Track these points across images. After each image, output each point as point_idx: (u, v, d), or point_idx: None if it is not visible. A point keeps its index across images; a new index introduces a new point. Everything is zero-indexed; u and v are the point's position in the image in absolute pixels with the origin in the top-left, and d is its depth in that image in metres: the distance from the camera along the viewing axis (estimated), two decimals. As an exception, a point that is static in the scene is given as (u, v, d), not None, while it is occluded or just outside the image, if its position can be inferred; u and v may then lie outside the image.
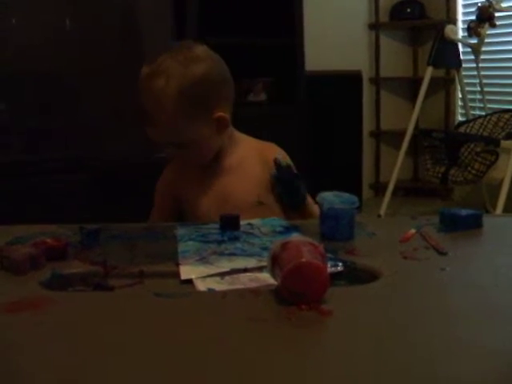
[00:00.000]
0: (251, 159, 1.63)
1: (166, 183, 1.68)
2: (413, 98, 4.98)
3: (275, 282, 0.95)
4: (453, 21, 4.73)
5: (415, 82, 5.04)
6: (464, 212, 1.32)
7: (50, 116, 3.03)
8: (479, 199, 4.47)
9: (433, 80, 4.27)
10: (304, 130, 3.77)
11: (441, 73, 4.78)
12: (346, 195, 1.28)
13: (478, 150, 3.76)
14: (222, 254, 1.16)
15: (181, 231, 1.33)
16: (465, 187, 4.60)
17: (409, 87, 5.28)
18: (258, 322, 0.85)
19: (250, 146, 1.65)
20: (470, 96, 4.53)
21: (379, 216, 4.04)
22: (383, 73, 5.17)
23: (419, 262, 1.10)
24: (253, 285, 1.03)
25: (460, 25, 4.87)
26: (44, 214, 2.67)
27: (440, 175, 3.86)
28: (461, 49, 4.36)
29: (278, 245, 0.94)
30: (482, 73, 4.34)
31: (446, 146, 3.94)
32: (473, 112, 4.52)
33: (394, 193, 4.27)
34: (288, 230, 1.33)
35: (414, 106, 4.32)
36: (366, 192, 5.09)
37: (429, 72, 4.15)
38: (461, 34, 4.73)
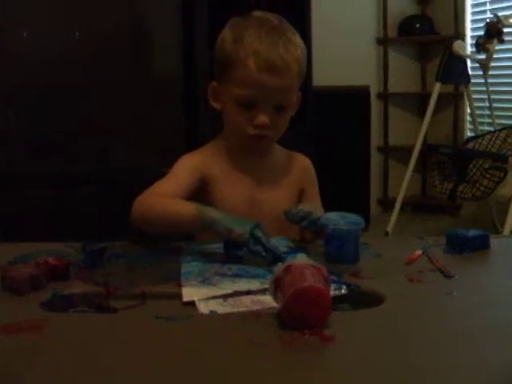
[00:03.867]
0: (288, 165, 1.60)
1: (200, 161, 1.53)
2: (421, 113, 4.96)
3: (278, 305, 0.94)
4: (461, 36, 4.72)
5: (423, 98, 5.02)
6: (471, 233, 1.31)
7: (57, 129, 3.03)
8: (488, 216, 4.44)
9: (441, 95, 4.25)
10: (312, 146, 3.76)
11: (449, 88, 4.76)
12: (351, 216, 1.27)
13: (487, 166, 3.74)
14: (225, 275, 1.15)
15: (186, 251, 1.32)
16: (473, 203, 4.57)
17: (417, 103, 5.27)
18: (260, 346, 0.84)
19: (284, 152, 1.62)
20: (478, 112, 4.51)
21: (387, 233, 4.02)
22: (391, 88, 5.15)
23: (425, 286, 1.08)
24: (256, 307, 1.02)
25: (468, 40, 4.86)
26: (52, 228, 2.67)
27: (448, 192, 3.84)
28: (469, 64, 4.34)
29: (280, 268, 0.93)
30: (491, 88, 4.32)
31: (454, 162, 3.92)
32: (481, 128, 4.50)
33: (402, 209, 4.24)
34: (293, 250, 1.31)
35: (422, 122, 4.30)
36: (374, 208, 5.06)
37: (437, 88, 4.13)
38: (469, 49, 4.71)
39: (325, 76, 4.38)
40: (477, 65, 4.34)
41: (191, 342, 0.88)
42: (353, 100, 4.62)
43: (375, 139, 5.04)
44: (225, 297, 1.05)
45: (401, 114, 5.25)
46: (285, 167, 1.59)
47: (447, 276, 1.12)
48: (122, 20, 3.20)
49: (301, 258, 0.98)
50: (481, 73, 4.28)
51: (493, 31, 3.86)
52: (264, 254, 1.23)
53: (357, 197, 4.58)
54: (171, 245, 1.38)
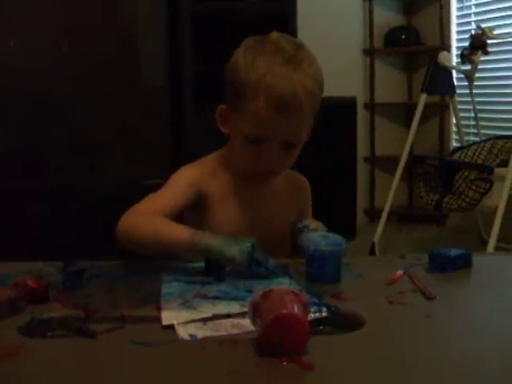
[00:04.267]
0: (287, 187, 1.56)
1: (198, 175, 1.47)
2: (407, 123, 4.97)
3: (256, 330, 0.93)
4: (447, 47, 4.74)
5: (410, 108, 5.03)
6: (453, 252, 1.31)
7: (41, 142, 3.01)
8: (474, 225, 4.46)
9: (427, 106, 4.26)
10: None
11: (435, 99, 4.78)
12: (333, 236, 1.27)
13: (472, 177, 3.75)
14: (205, 297, 1.14)
15: (167, 271, 1.31)
16: (460, 213, 4.58)
17: (403, 113, 5.28)
18: (237, 375, 0.83)
19: (285, 173, 1.53)
20: (464, 122, 4.53)
21: (373, 244, 4.02)
22: (378, 98, 5.17)
23: (405, 308, 1.08)
24: (235, 331, 1.01)
25: (454, 51, 4.88)
26: (36, 244, 2.65)
27: (434, 203, 3.84)
28: (455, 75, 4.36)
29: (259, 294, 0.92)
30: (476, 99, 4.34)
31: (440, 173, 3.93)
32: (467, 138, 4.51)
33: (388, 219, 4.24)
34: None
35: (408, 132, 4.31)
36: (361, 218, 5.07)
37: (423, 99, 4.14)
38: (455, 60, 4.74)
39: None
40: (462, 76, 4.36)
41: (168, 370, 0.87)
42: (339, 110, 4.62)
43: (362, 149, 5.05)
44: (204, 320, 1.05)
45: (387, 124, 5.27)
46: (283, 189, 1.55)
47: (428, 297, 1.12)
48: (108, 33, 3.19)
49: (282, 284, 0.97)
50: (466, 83, 4.30)
51: (477, 43, 3.88)
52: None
53: (343, 207, 4.58)
54: (152, 264, 1.37)
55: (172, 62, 3.25)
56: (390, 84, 5.23)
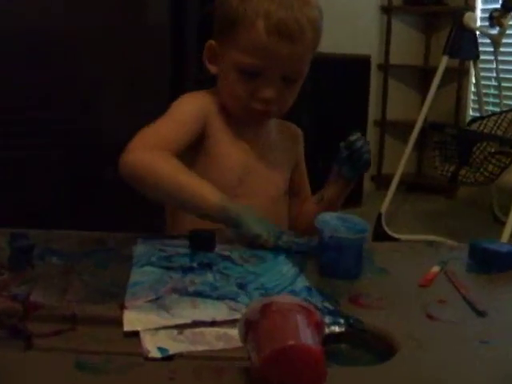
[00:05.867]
0: (282, 133, 1.42)
1: (204, 105, 1.31)
2: (422, 88, 4.70)
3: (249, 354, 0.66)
4: (471, 8, 4.41)
5: (426, 72, 4.76)
6: (502, 248, 1.04)
7: (22, 88, 2.75)
8: (486, 199, 4.20)
9: (445, 70, 3.95)
10: (306, 114, 3.50)
11: (454, 63, 4.45)
12: (354, 219, 1.00)
13: (492, 150, 3.47)
14: (184, 292, 0.87)
15: (139, 250, 1.04)
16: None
17: (418, 76, 4.98)
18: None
19: (278, 122, 1.42)
20: (484, 90, 4.22)
21: (380, 215, 3.75)
22: (393, 59, 4.86)
23: (450, 327, 0.80)
24: (220, 345, 0.75)
25: (478, 13, 4.55)
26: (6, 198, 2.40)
27: (449, 174, 3.57)
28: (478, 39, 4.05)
29: (255, 308, 0.65)
30: (500, 66, 4.03)
31: (458, 143, 3.64)
32: (486, 108, 4.21)
33: (396, 188, 3.97)
34: (275, 255, 1.04)
35: (422, 97, 4.02)
36: (367, 185, 4.79)
37: (444, 62, 3.83)
38: (479, 23, 4.41)
39: (325, 43, 4.05)
40: (484, 40, 4.03)
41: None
42: (352, 69, 4.34)
43: (372, 112, 4.75)
44: (180, 327, 0.78)
45: (401, 88, 4.97)
46: (279, 135, 1.41)
47: (478, 312, 0.85)
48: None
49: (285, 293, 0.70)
50: (490, 49, 3.99)
51: (510, 4, 3.56)
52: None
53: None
54: (124, 237, 1.10)
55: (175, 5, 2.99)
56: (407, 45, 4.93)
